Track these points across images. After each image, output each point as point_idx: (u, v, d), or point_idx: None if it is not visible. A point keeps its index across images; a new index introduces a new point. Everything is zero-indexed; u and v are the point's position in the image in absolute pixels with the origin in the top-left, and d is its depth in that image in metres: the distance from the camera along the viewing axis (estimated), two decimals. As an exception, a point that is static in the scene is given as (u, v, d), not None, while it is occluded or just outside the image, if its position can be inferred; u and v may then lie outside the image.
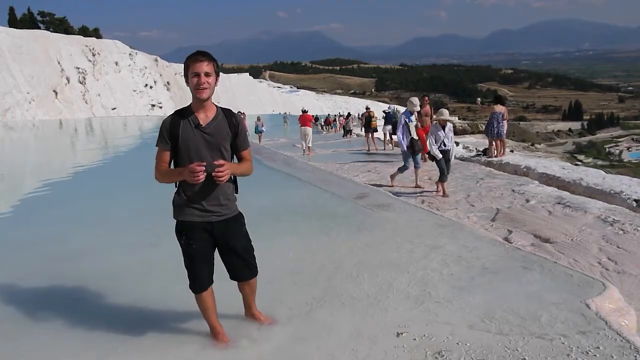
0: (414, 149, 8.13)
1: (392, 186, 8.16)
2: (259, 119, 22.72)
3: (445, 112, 7.73)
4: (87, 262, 4.34)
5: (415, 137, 8.17)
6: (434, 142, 7.45)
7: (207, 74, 2.47)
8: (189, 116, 2.57)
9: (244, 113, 18.79)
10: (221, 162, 2.50)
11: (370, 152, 14.75)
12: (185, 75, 2.51)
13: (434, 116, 8.08)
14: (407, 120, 8.19)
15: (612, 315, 2.88)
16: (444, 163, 7.42)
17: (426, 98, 11.82)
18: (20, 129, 29.37)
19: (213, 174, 2.47)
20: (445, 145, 7.51)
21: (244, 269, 2.80)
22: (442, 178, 7.41)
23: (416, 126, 8.25)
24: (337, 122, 34.77)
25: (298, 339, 2.81)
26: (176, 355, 2.73)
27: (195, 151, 2.55)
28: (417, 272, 3.69)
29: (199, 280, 2.69)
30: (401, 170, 8.35)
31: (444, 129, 7.50)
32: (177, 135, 2.54)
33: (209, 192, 2.59)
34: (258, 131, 21.79)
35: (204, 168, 2.42)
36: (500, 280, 3.48)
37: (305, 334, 2.86)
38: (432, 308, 3.09)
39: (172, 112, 2.67)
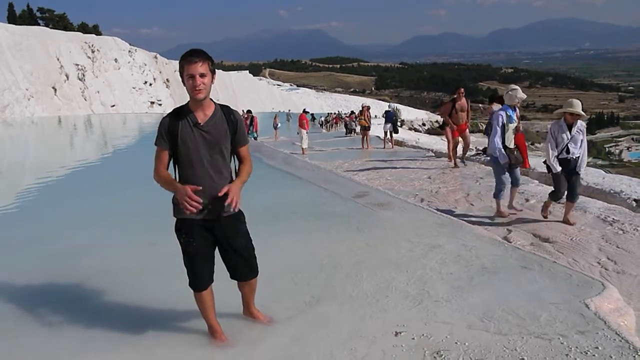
0: (509, 162, 5.80)
1: (506, 216, 5.87)
2: (276, 116, 25.00)
3: (576, 102, 5.29)
4: (85, 260, 4.33)
5: (512, 145, 5.88)
6: (554, 147, 5.34)
7: (202, 75, 2.45)
8: (187, 115, 2.55)
9: (250, 111, 18.71)
10: (225, 190, 2.52)
11: (363, 151, 15.03)
12: (181, 76, 2.50)
13: (559, 110, 5.42)
14: (503, 120, 5.76)
15: (611, 315, 2.88)
16: (563, 178, 5.34)
17: (461, 90, 10.12)
18: (19, 125, 29.31)
19: (232, 209, 2.57)
20: (568, 152, 5.31)
21: (244, 268, 2.78)
22: (557, 195, 5.41)
23: (515, 129, 5.94)
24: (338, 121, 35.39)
25: (297, 338, 2.80)
26: (174, 353, 2.72)
27: (195, 150, 2.54)
28: (416, 271, 3.68)
29: (199, 279, 2.68)
30: (497, 194, 5.91)
31: (570, 129, 5.30)
32: (176, 135, 2.52)
33: (210, 190, 2.57)
34: (275, 128, 23.61)
35: (199, 206, 2.46)
36: (499, 279, 3.47)
37: (304, 333, 2.86)
38: (431, 307, 3.08)
39: (170, 110, 2.65)
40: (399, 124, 17.35)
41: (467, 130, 10.55)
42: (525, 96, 5.94)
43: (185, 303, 2.98)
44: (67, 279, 3.89)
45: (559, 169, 5.32)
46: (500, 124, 5.76)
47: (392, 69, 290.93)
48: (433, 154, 13.26)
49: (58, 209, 6.81)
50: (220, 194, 2.51)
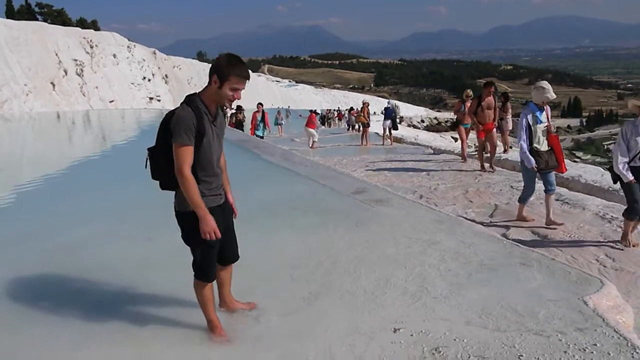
0: (539, 165, 5.25)
1: (529, 220, 5.55)
2: (279, 112, 24.36)
3: None
4: (84, 255, 4.31)
5: (545, 147, 5.31)
6: (624, 152, 4.50)
7: None
8: (205, 110, 2.54)
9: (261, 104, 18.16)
10: (232, 205, 2.86)
11: (362, 147, 15.11)
12: (222, 78, 2.44)
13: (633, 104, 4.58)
14: (529, 120, 5.24)
15: (610, 313, 2.89)
16: (638, 189, 4.52)
17: (492, 88, 9.14)
18: (18, 120, 29.24)
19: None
20: None
21: (236, 248, 2.91)
22: (634, 211, 4.57)
23: (548, 129, 5.36)
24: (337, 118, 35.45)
25: (295, 334, 2.80)
26: (173, 348, 2.71)
27: (211, 144, 2.59)
28: (414, 267, 3.68)
29: (213, 269, 2.74)
30: (522, 199, 5.58)
31: None
32: (203, 131, 2.50)
33: (219, 177, 2.70)
34: (277, 123, 23.07)
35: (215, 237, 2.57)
36: (497, 276, 3.48)
37: (302, 329, 2.85)
38: (430, 304, 3.08)
39: (186, 105, 2.50)
40: (398, 120, 17.38)
41: (494, 130, 9.38)
42: (554, 97, 5.31)
43: (184, 298, 2.98)
44: (66, 273, 3.88)
45: (631, 177, 4.45)
46: (524, 125, 5.22)
47: (391, 66, 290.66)
48: (432, 151, 13.27)
49: (56, 204, 6.79)
50: (235, 215, 2.87)
